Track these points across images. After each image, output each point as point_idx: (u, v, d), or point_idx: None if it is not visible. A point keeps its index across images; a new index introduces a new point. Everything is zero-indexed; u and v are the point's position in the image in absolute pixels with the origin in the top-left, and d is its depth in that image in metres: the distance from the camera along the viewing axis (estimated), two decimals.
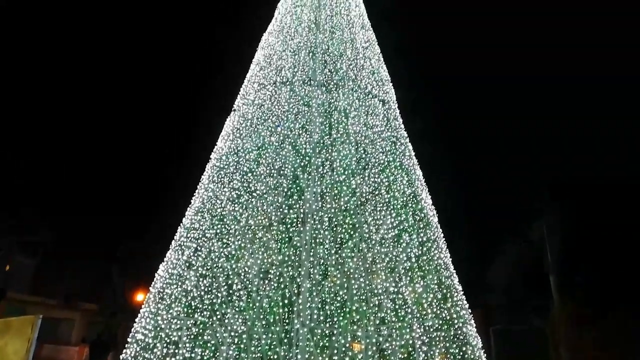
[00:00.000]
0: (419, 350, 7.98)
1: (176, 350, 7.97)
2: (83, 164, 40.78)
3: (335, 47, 11.15)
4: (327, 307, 8.02)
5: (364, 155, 9.68)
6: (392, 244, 8.78)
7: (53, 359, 20.78)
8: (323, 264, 8.35)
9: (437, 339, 8.29)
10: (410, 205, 9.49)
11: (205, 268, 8.54)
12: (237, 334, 7.83)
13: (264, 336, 7.80)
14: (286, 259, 8.38)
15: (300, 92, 10.35)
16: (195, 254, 8.79)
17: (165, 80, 58.40)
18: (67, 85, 49.49)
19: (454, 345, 8.45)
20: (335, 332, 7.83)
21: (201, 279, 8.44)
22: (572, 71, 56.40)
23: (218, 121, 11.53)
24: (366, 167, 9.55)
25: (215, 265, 8.50)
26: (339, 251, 8.46)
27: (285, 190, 9.04)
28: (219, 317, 8.05)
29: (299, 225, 8.72)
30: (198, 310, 8.21)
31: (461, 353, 8.47)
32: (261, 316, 7.94)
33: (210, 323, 8.04)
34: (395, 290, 8.34)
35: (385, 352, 7.86)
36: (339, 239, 8.61)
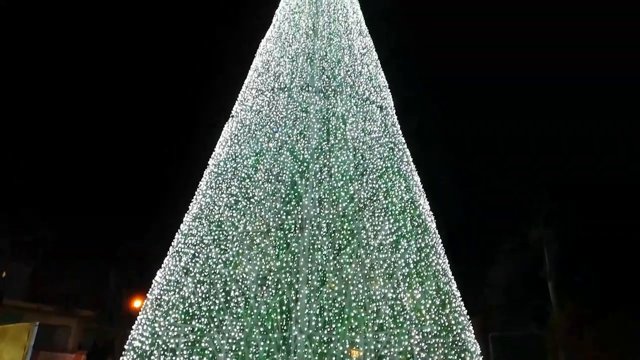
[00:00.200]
0: (418, 356, 7.95)
1: (173, 358, 7.93)
2: (83, 164, 40.80)
3: (333, 53, 11.19)
4: (325, 314, 7.99)
5: (361, 161, 9.70)
6: (390, 250, 8.77)
7: None
8: (321, 270, 8.33)
9: (436, 345, 8.27)
10: (408, 211, 9.50)
11: (202, 274, 8.51)
12: (234, 341, 7.79)
13: (262, 343, 7.76)
14: (284, 265, 8.36)
15: (298, 98, 10.37)
16: (193, 261, 8.76)
17: (165, 80, 58.56)
18: (67, 85, 49.57)
19: (453, 352, 8.41)
20: (333, 338, 7.80)
21: (199, 286, 8.41)
22: (571, 71, 56.60)
23: (218, 121, 11.55)
24: (364, 173, 9.57)
25: (212, 272, 8.48)
26: (337, 257, 8.45)
27: (283, 196, 9.04)
28: (216, 323, 8.01)
29: (297, 231, 8.71)
30: (195, 317, 8.17)
31: (460, 359, 8.45)
32: (259, 323, 7.90)
33: (207, 330, 8.00)
34: (394, 296, 8.32)
35: (384, 359, 7.84)
36: (337, 245, 8.59)
